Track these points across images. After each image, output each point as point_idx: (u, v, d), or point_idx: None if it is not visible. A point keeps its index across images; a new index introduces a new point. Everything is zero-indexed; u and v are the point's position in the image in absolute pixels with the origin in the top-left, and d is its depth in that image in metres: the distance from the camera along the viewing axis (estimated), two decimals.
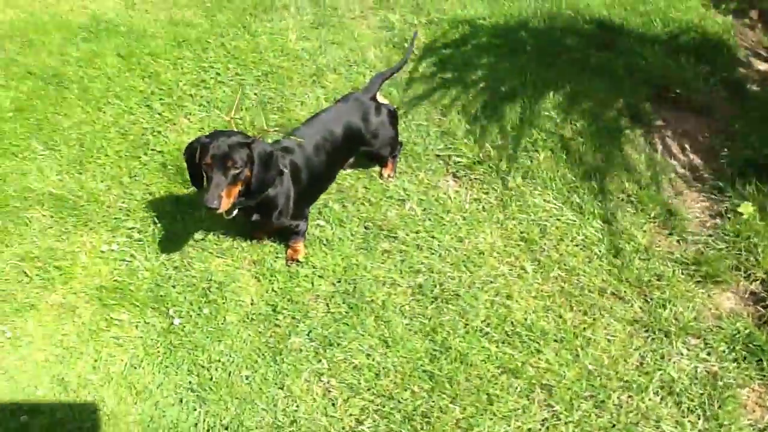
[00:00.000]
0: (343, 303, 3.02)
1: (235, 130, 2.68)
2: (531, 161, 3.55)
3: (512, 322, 2.92)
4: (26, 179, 3.56)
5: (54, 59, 4.39)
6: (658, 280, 3.04)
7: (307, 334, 2.92)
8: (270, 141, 2.89)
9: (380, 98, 3.31)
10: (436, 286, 3.07)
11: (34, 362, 2.85)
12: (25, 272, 3.15)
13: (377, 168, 3.54)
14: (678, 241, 3.20)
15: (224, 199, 2.51)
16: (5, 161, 3.67)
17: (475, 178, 3.51)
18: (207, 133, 2.68)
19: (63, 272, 3.14)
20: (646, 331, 2.88)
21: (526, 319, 2.93)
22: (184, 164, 2.73)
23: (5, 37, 4.60)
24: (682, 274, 3.07)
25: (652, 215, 3.29)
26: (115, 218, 3.36)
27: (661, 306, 2.94)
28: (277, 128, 2.91)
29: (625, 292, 3.00)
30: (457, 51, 4.31)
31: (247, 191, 2.67)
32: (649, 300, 2.98)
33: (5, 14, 4.87)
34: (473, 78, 4.06)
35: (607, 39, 4.32)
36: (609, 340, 2.85)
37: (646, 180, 3.45)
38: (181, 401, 2.74)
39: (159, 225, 3.31)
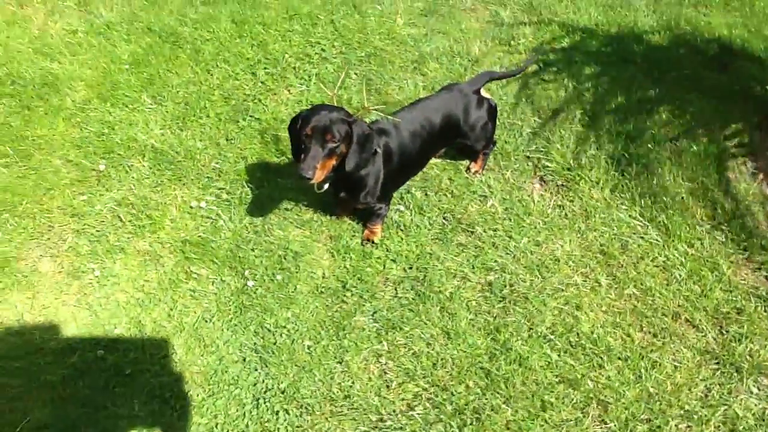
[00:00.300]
0: (412, 289, 3.06)
1: (338, 106, 2.75)
2: (623, 175, 3.47)
3: (578, 333, 2.89)
4: (132, 130, 3.75)
5: (173, 19, 4.59)
6: (738, 313, 2.93)
7: (372, 315, 2.98)
8: (368, 121, 2.94)
9: (484, 93, 3.30)
10: (506, 286, 3.06)
11: (116, 302, 3.03)
12: (120, 217, 3.34)
13: (465, 161, 3.54)
14: (766, 277, 3.07)
15: (318, 171, 2.56)
16: (116, 110, 3.89)
17: (562, 185, 3.46)
18: (310, 107, 2.75)
19: (153, 222, 3.31)
20: (717, 363, 2.79)
21: (592, 332, 2.89)
22: (279, 133, 2.81)
23: None
24: (765, 311, 2.94)
25: (742, 247, 3.16)
26: (207, 177, 3.51)
27: (736, 340, 2.84)
28: (377, 108, 2.94)
29: (700, 320, 2.91)
30: (564, 54, 4.23)
31: (340, 167, 2.72)
32: (724, 332, 2.88)
33: None
34: (576, 84, 3.99)
35: (724, 60, 4.14)
36: (675, 367, 2.77)
37: (742, 210, 3.31)
38: (244, 360, 2.85)
39: (247, 189, 3.44)
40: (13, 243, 3.21)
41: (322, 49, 4.29)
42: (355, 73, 4.10)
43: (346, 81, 4.01)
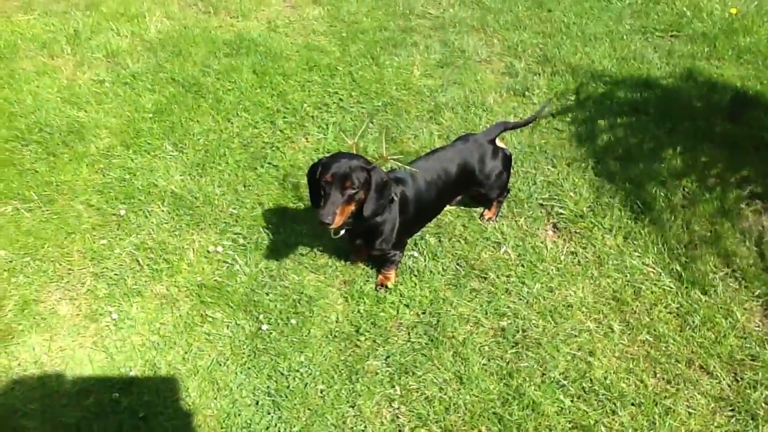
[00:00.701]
0: (425, 334, 3.07)
1: (357, 154, 2.81)
2: (636, 222, 3.48)
3: (591, 379, 2.87)
4: (153, 176, 3.85)
5: (196, 69, 4.74)
6: (753, 360, 2.89)
7: (385, 359, 2.98)
8: (385, 169, 3.00)
9: (499, 142, 3.35)
10: (518, 332, 3.06)
11: (131, 345, 3.06)
12: (138, 261, 3.40)
13: (478, 209, 3.58)
14: None
15: (338, 216, 2.60)
16: (138, 157, 3.99)
17: (575, 232, 3.48)
18: (329, 154, 2.81)
19: (171, 266, 3.37)
20: (732, 410, 2.74)
21: (605, 378, 2.87)
22: (296, 180, 2.85)
23: (159, 45, 5.01)
24: None
25: (756, 293, 3.14)
26: (225, 222, 3.57)
27: (751, 387, 2.80)
28: (395, 157, 3.00)
29: (714, 367, 2.87)
30: (578, 104, 4.30)
31: (358, 214, 2.76)
32: (739, 379, 2.84)
33: (163, 24, 5.30)
34: (589, 133, 4.03)
35: (737, 111, 4.17)
36: (690, 413, 2.73)
37: (756, 257, 3.30)
38: (257, 403, 2.85)
39: (263, 234, 3.50)
40: (33, 286, 3.27)
41: (340, 99, 4.40)
42: (372, 122, 4.18)
43: (361, 131, 4.09)
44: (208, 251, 3.44)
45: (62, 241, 3.49)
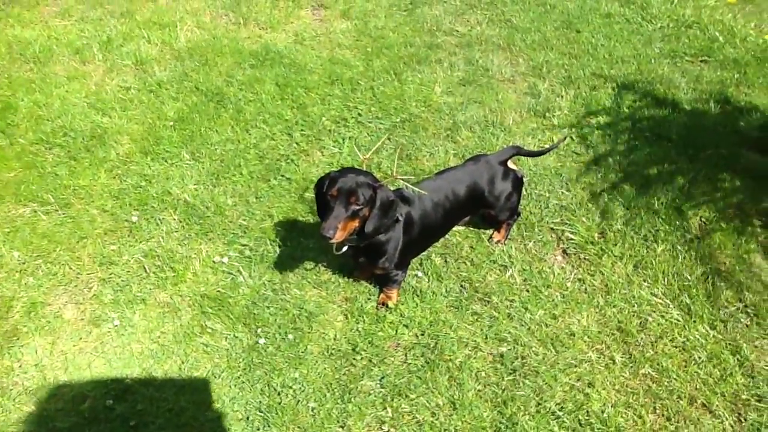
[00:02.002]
0: (422, 356, 3.04)
1: (366, 170, 2.80)
2: (647, 251, 3.41)
3: (588, 412, 2.80)
4: (168, 183, 3.90)
5: (221, 79, 4.79)
6: (758, 401, 2.80)
7: (380, 380, 2.96)
8: (393, 188, 2.98)
9: (511, 164, 3.31)
10: (517, 359, 3.01)
11: (131, 352, 3.10)
12: (145, 268, 3.44)
13: (488, 230, 3.54)
14: None
15: (339, 231, 2.59)
16: (156, 164, 4.05)
17: (585, 258, 3.41)
18: (338, 169, 2.82)
19: (176, 274, 3.40)
20: None
21: (603, 411, 2.80)
22: (308, 194, 2.85)
23: (187, 54, 5.08)
24: None
25: (767, 331, 3.04)
26: (233, 233, 3.59)
27: (755, 429, 2.71)
28: (404, 177, 2.98)
29: (717, 405, 2.79)
30: (598, 127, 4.22)
31: (361, 231, 2.75)
32: (742, 420, 2.75)
33: (193, 33, 5.38)
34: (608, 157, 3.96)
35: (766, 142, 4.05)
36: None
37: None
38: (247, 419, 2.85)
39: (269, 246, 3.51)
40: (42, 288, 3.33)
41: (359, 114, 4.40)
42: (389, 138, 4.17)
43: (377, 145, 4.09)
44: (214, 261, 3.46)
45: (74, 245, 3.55)
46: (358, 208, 2.63)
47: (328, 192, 2.64)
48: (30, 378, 2.98)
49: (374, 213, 2.70)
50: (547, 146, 3.73)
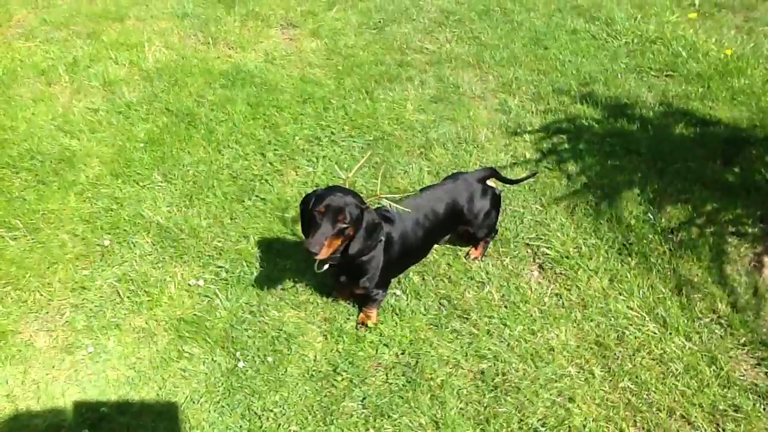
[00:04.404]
0: (403, 375, 3.02)
1: (352, 190, 2.79)
2: (622, 265, 3.45)
3: (569, 427, 2.81)
4: (140, 206, 3.84)
5: (191, 100, 4.76)
6: (735, 411, 2.83)
7: (362, 401, 2.94)
8: (373, 207, 2.96)
9: (489, 182, 3.33)
10: (498, 375, 3.01)
11: (106, 379, 3.03)
12: (119, 292, 3.38)
13: (464, 248, 3.55)
14: (766, 373, 2.98)
15: (325, 248, 2.57)
16: (127, 187, 3.99)
17: (561, 273, 3.44)
18: (325, 187, 2.81)
19: (151, 299, 3.34)
20: None
21: (584, 426, 2.81)
22: (284, 214, 2.81)
23: (156, 75, 5.03)
24: (764, 409, 2.84)
25: (742, 341, 3.08)
26: (208, 255, 3.55)
27: None
28: (388, 196, 2.97)
29: (695, 417, 2.81)
30: (568, 143, 4.28)
31: (345, 251, 2.74)
32: (721, 430, 2.78)
33: (161, 54, 5.33)
34: (579, 172, 4.01)
35: (729, 153, 4.13)
36: None
37: (743, 304, 3.25)
38: None
39: (246, 268, 3.47)
40: (11, 317, 3.25)
41: (332, 132, 4.40)
42: (370, 157, 4.16)
43: (353, 165, 4.07)
44: (189, 284, 3.41)
45: (44, 271, 3.48)
46: (344, 226, 2.62)
47: (315, 208, 2.62)
48: (1, 409, 2.89)
49: (360, 234, 2.70)
50: (522, 176, 3.81)
